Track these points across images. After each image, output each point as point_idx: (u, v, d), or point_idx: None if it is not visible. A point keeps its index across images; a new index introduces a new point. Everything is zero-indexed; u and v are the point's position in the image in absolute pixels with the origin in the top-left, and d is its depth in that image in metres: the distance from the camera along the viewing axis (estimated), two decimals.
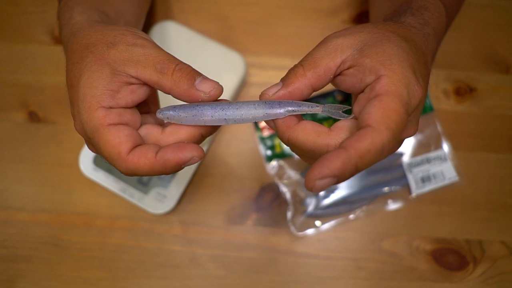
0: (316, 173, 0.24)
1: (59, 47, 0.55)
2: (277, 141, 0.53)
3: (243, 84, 0.53)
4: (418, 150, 0.52)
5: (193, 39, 0.52)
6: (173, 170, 0.28)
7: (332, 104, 0.29)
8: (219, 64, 0.51)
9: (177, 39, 0.52)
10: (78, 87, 0.29)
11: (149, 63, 0.28)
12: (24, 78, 0.54)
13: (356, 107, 0.28)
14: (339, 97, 0.54)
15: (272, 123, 0.29)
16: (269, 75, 0.54)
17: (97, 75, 0.28)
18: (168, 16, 0.55)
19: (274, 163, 0.52)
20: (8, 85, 0.54)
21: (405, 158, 0.52)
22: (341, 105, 0.29)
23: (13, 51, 0.55)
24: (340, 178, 0.25)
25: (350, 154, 0.24)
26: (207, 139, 0.36)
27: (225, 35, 0.55)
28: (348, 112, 0.29)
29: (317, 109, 0.29)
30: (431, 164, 0.52)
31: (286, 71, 0.30)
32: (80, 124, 0.29)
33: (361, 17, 0.56)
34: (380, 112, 0.25)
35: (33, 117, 0.53)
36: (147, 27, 0.53)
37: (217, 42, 0.52)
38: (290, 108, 0.28)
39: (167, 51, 0.30)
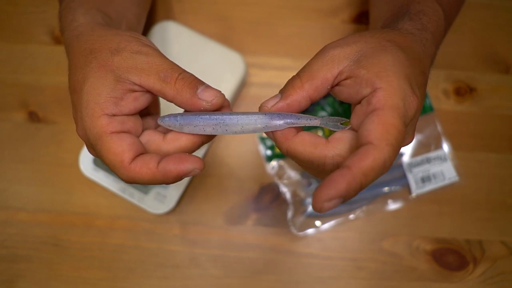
0: (323, 195, 0.24)
1: (59, 47, 0.55)
2: None
3: (243, 84, 0.53)
4: (418, 150, 0.52)
5: (193, 39, 0.52)
6: (174, 180, 0.28)
7: (330, 117, 0.30)
8: (219, 64, 0.51)
9: (177, 39, 0.52)
10: (82, 93, 0.29)
11: (152, 71, 0.29)
12: (24, 78, 0.54)
13: (353, 119, 0.28)
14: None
15: (271, 134, 0.30)
16: (269, 75, 0.54)
17: (101, 82, 0.28)
18: (169, 16, 0.55)
19: (274, 163, 0.52)
20: (8, 85, 0.54)
21: (405, 158, 0.52)
22: (339, 117, 0.30)
23: (13, 51, 0.55)
24: (346, 197, 0.25)
25: (354, 173, 0.25)
26: None
27: (225, 35, 0.55)
28: (346, 124, 0.30)
29: (316, 122, 0.29)
30: (431, 164, 0.52)
31: (286, 71, 0.30)
32: (82, 129, 0.29)
33: (361, 17, 0.56)
34: (379, 129, 0.26)
35: (33, 117, 0.53)
36: (147, 27, 0.53)
37: (217, 42, 0.52)
38: (289, 120, 0.29)
39: (167, 51, 0.30)
